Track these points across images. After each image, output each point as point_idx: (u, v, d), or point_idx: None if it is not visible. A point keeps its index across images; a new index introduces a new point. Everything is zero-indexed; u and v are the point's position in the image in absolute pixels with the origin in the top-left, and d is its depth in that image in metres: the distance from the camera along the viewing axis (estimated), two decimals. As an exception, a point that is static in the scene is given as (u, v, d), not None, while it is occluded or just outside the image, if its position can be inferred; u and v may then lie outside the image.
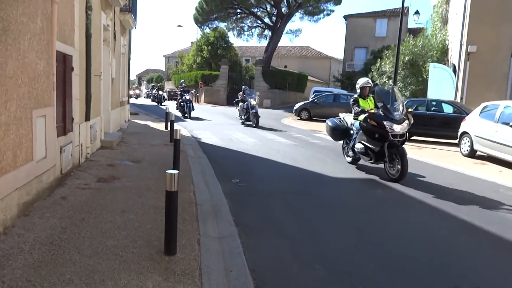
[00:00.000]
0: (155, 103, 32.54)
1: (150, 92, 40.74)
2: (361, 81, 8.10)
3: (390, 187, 6.63)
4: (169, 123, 11.61)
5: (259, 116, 16.04)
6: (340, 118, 8.61)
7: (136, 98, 40.73)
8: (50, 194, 4.93)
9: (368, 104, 7.88)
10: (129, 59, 14.54)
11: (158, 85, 34.57)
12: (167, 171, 3.40)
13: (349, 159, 8.36)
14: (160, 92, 32.45)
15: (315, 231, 4.47)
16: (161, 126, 14.13)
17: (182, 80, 21.78)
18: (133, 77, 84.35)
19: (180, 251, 3.54)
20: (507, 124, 8.74)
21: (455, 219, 5.08)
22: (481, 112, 10.09)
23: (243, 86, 17.93)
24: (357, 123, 7.71)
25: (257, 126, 15.61)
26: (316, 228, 4.57)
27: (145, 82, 72.98)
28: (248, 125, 16.21)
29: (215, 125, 16.55)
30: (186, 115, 18.93)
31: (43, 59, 4.54)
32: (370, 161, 7.41)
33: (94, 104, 7.77)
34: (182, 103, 19.52)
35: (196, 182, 6.10)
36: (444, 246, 4.17)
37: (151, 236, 3.84)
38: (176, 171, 3.41)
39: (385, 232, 4.55)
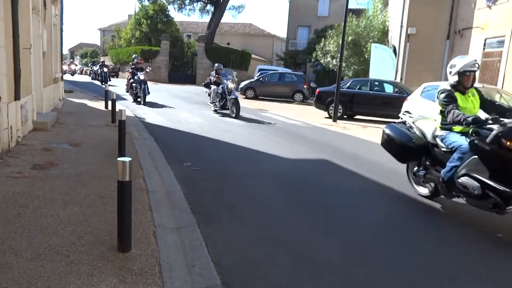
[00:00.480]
0: (97, 82, 27.91)
1: (91, 69, 35.91)
2: (461, 62, 4.43)
3: (344, 168, 6.68)
4: (109, 102, 10.81)
5: (239, 105, 12.53)
6: (407, 123, 5.19)
7: (72, 75, 37.89)
8: (-24, 185, 4.31)
9: (473, 105, 4.53)
10: (62, 30, 13.31)
11: (102, 60, 30.24)
12: (118, 159, 3.02)
13: (425, 190, 5.10)
14: (105, 69, 27.08)
15: (274, 215, 4.33)
16: (100, 105, 13.20)
17: (134, 55, 17.05)
18: (65, 51, 78.72)
19: (135, 246, 3.22)
20: (447, 104, 9.13)
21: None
22: (422, 93, 10.49)
23: (216, 65, 14.20)
24: (457, 137, 4.32)
25: (237, 117, 12.16)
26: (274, 212, 4.42)
27: (78, 57, 68.37)
28: (224, 115, 12.81)
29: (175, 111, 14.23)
30: (139, 99, 14.86)
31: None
32: (492, 210, 4.06)
33: (24, 81, 6.94)
34: (134, 84, 15.45)
35: (145, 167, 5.69)
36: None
37: (101, 231, 3.46)
38: (129, 159, 3.05)
39: (348, 217, 4.52)
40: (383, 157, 7.55)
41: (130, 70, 16.19)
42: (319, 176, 6.27)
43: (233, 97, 12.56)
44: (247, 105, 17.71)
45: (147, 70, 16.09)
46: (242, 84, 21.84)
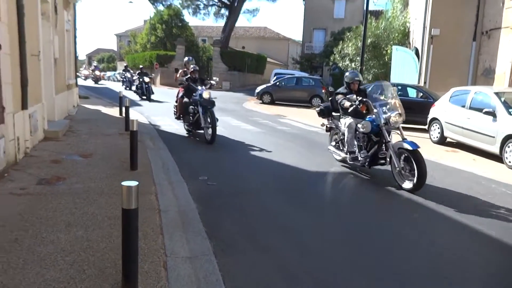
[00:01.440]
0: (134, 95, 20.46)
1: (122, 76, 28.77)
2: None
3: (369, 181, 6.16)
4: (123, 109, 10.49)
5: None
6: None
7: (96, 82, 36.64)
8: (-26, 204, 3.96)
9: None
10: (75, 36, 13.11)
11: (140, 66, 23.08)
12: (122, 184, 2.60)
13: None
14: (146, 79, 19.70)
15: (298, 241, 3.85)
16: (114, 111, 12.94)
17: (187, 58, 10.65)
18: (82, 57, 79.75)
19: (143, 282, 2.80)
20: (480, 110, 8.53)
21: (448, 220, 4.65)
22: (451, 98, 9.87)
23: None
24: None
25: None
26: (298, 236, 3.95)
27: (95, 62, 69.10)
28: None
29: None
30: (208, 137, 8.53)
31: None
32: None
33: (33, 89, 6.65)
34: (192, 108, 8.95)
35: (158, 181, 5.28)
36: (449, 257, 3.69)
37: (105, 261, 3.05)
38: (135, 183, 2.63)
39: (379, 241, 4.02)
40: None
41: (185, 83, 9.33)
42: (343, 191, 5.78)
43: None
44: (264, 110, 17.28)
45: (212, 82, 9.39)
46: (258, 89, 21.43)
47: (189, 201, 4.67)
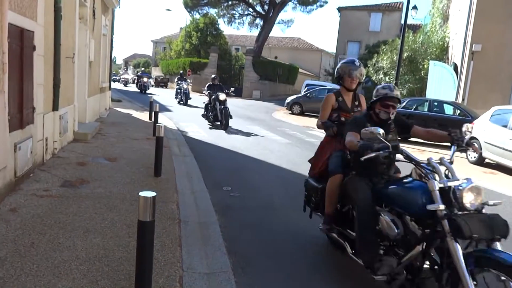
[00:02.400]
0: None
1: (178, 87, 22.76)
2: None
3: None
4: (153, 114, 10.55)
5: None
6: None
7: (125, 85, 38.85)
8: (-3, 204, 3.96)
9: None
10: (112, 41, 13.38)
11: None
12: (140, 194, 2.47)
13: None
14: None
15: (322, 264, 3.60)
16: (145, 116, 13.06)
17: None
18: (119, 61, 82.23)
19: (157, 298, 2.64)
20: (523, 131, 8.02)
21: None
22: (491, 117, 9.36)
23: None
24: None
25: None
26: (322, 259, 3.69)
27: (131, 66, 71.02)
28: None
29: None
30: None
31: (-12, 34, 3.54)
32: None
33: (65, 90, 6.73)
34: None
35: (180, 189, 5.17)
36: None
37: (119, 273, 2.92)
38: (153, 194, 2.49)
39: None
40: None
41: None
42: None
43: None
44: (293, 121, 17.06)
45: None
46: (289, 99, 21.23)
47: (210, 213, 4.52)
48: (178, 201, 4.69)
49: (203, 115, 12.90)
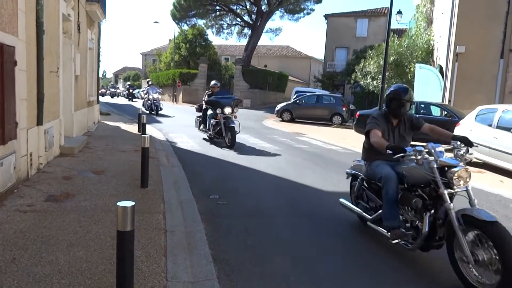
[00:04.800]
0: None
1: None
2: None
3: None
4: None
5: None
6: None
7: (112, 97, 39.58)
8: (-21, 221, 3.90)
9: None
10: (99, 54, 13.38)
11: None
12: (118, 204, 2.46)
13: None
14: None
15: (310, 272, 3.60)
16: (133, 128, 13.04)
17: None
18: (109, 75, 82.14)
19: (139, 309, 2.62)
20: (508, 129, 8.12)
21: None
22: (476, 116, 9.47)
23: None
24: None
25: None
26: (310, 267, 3.68)
27: (121, 80, 70.94)
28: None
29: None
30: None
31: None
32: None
33: (50, 105, 6.71)
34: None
35: (167, 200, 5.15)
36: None
37: (102, 285, 2.90)
38: (131, 203, 2.49)
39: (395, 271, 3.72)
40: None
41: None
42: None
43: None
44: (283, 128, 17.12)
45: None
46: (279, 106, 21.34)
47: (197, 221, 4.50)
48: (164, 211, 4.67)
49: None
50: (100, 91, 19.81)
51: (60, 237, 3.69)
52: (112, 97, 41.75)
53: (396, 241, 3.75)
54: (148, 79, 24.57)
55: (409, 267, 3.70)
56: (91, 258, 3.31)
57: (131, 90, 38.58)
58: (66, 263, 3.20)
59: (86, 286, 2.87)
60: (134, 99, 37.34)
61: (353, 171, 4.81)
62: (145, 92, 21.47)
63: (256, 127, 17.12)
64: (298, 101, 21.04)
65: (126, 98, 38.38)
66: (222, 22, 39.58)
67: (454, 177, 3.33)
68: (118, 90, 46.53)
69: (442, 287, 3.37)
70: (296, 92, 25.22)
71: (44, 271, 3.04)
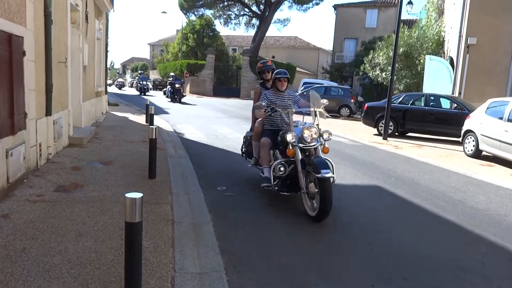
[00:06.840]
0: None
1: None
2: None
3: (400, 198, 5.82)
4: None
5: None
6: None
7: (120, 88, 38.88)
8: (-11, 210, 3.95)
9: None
10: (107, 45, 13.38)
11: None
12: (126, 195, 2.46)
13: None
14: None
15: (317, 262, 3.59)
16: (141, 119, 13.07)
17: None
18: (117, 65, 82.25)
19: (147, 299, 2.63)
20: (519, 123, 8.00)
21: (484, 242, 4.28)
22: (487, 109, 9.34)
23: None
24: None
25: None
26: (317, 257, 3.68)
27: (129, 70, 71.02)
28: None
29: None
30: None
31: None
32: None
33: (59, 95, 6.73)
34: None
35: (175, 191, 5.16)
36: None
37: (110, 275, 2.92)
38: (140, 195, 2.48)
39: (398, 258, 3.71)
40: (444, 183, 6.61)
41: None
42: (372, 209, 5.45)
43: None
44: (290, 119, 17.03)
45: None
46: (286, 98, 21.21)
47: (204, 213, 4.51)
48: (172, 202, 4.68)
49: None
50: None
51: (69, 227, 3.72)
52: (119, 88, 38.67)
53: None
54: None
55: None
56: (99, 249, 3.33)
57: (143, 82, 30.35)
58: (75, 253, 3.22)
59: (94, 276, 2.89)
60: (147, 93, 29.98)
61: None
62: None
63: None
64: (305, 92, 20.89)
65: (138, 91, 30.87)
66: (230, 13, 39.36)
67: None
68: (125, 81, 46.15)
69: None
70: (304, 83, 25.03)
71: (53, 261, 3.07)
